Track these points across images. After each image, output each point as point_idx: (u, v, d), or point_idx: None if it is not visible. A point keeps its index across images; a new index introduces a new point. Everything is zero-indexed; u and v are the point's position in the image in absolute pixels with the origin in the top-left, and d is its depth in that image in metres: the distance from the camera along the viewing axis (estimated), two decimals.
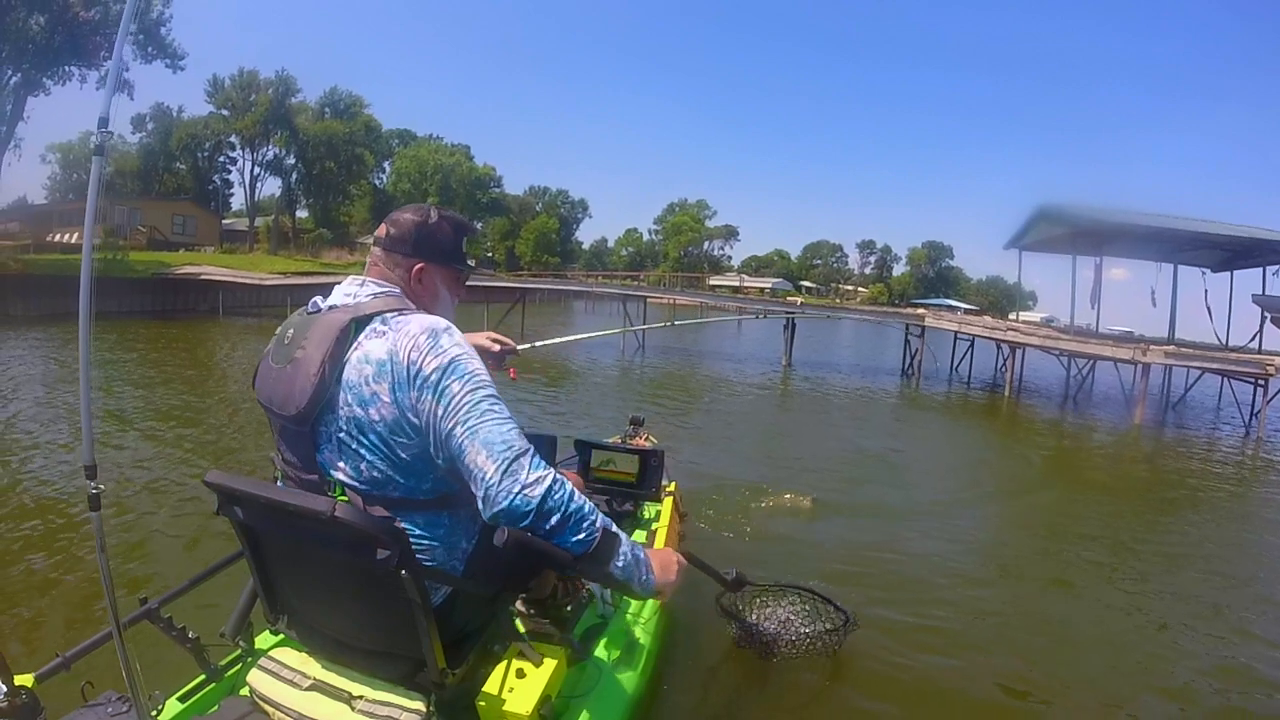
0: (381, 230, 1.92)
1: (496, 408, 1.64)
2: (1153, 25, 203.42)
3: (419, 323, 1.71)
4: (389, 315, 1.74)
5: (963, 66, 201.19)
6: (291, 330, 1.77)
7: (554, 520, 1.61)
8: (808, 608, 3.91)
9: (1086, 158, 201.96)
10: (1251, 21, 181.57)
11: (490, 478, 1.56)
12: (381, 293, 1.82)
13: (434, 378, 1.62)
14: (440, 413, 1.60)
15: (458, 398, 1.61)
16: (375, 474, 1.65)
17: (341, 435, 1.66)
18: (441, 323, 1.73)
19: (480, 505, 1.61)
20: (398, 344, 1.66)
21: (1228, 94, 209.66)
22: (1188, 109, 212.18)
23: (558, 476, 1.64)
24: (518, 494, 1.57)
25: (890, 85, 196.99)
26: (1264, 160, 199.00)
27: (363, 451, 1.65)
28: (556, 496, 1.61)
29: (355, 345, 1.68)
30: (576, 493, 1.67)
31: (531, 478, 1.58)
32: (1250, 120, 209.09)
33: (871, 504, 7.28)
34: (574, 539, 1.64)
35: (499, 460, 1.57)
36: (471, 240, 2.05)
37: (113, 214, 40.12)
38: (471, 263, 2.06)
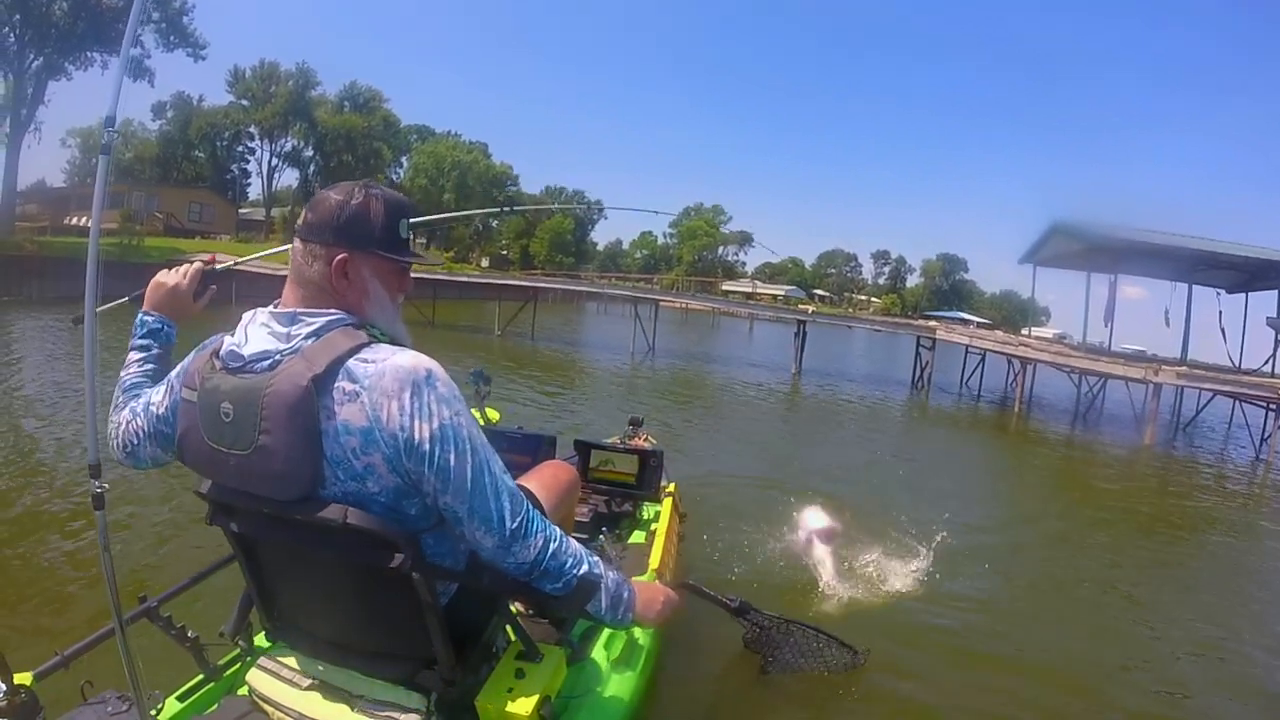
0: (301, 217, 1.62)
1: (491, 478, 1.55)
2: (1160, 21, 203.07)
3: (394, 375, 1.47)
4: (352, 365, 1.48)
5: (974, 69, 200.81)
6: (229, 405, 1.49)
7: (536, 573, 1.64)
8: (814, 646, 3.77)
9: (1097, 159, 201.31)
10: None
11: (489, 549, 1.58)
12: (322, 328, 1.53)
13: (426, 448, 1.47)
14: (438, 485, 1.50)
15: (454, 471, 1.49)
16: None
17: (346, 504, 1.51)
18: (420, 368, 1.49)
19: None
20: (379, 409, 1.45)
21: (1244, 92, 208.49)
22: (1198, 108, 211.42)
23: (548, 536, 1.65)
24: (511, 562, 1.61)
25: (904, 89, 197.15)
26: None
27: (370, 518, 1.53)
28: (544, 555, 1.63)
29: (328, 414, 1.45)
30: (564, 546, 1.68)
31: (524, 545, 1.60)
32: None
33: (874, 515, 7.23)
34: (550, 585, 1.67)
35: (496, 536, 1.56)
36: (413, 223, 1.73)
37: (130, 199, 40.42)
38: (424, 245, 1.65)
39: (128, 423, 1.75)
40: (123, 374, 1.85)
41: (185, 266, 1.98)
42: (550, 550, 1.63)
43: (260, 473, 1.49)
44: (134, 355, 1.87)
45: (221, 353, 1.54)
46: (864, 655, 3.82)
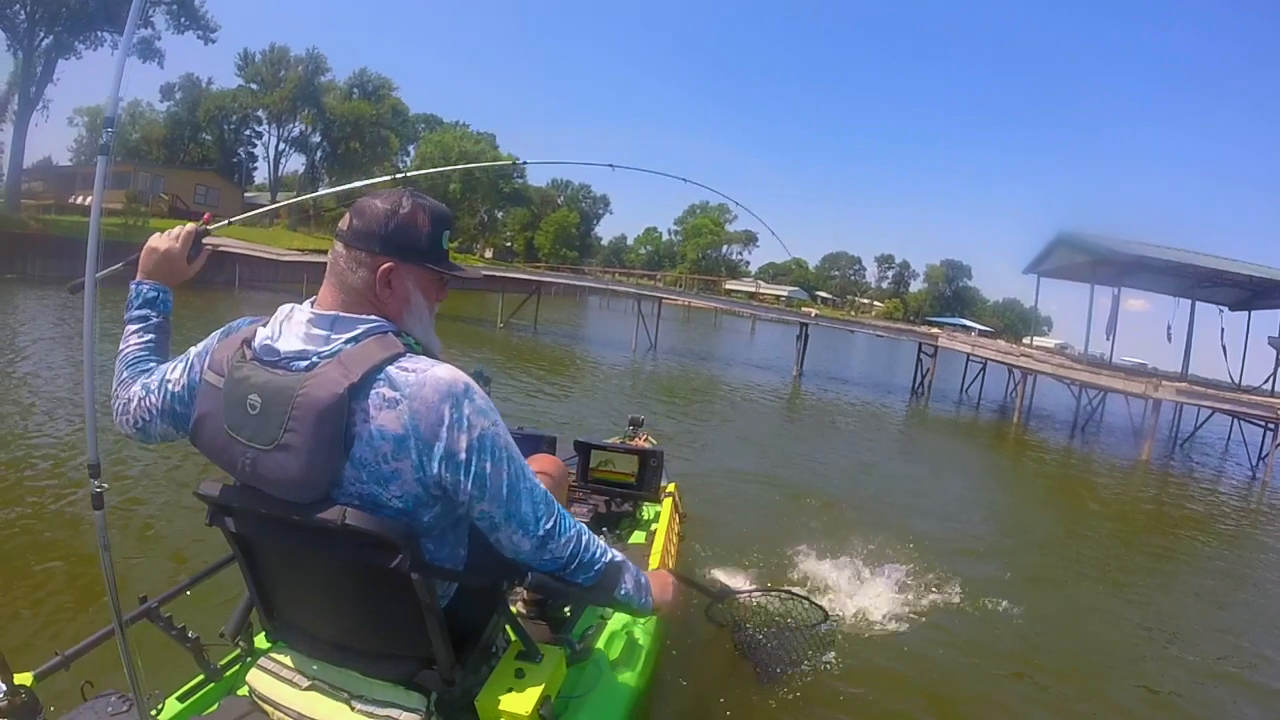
0: (344, 221, 1.61)
1: (525, 481, 1.60)
2: (1167, 23, 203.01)
3: (434, 386, 1.48)
4: (393, 373, 1.48)
5: (983, 73, 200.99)
6: (257, 397, 1.48)
7: (572, 566, 1.70)
8: (787, 606, 3.87)
9: (1104, 164, 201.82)
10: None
11: (526, 551, 1.63)
12: (362, 335, 1.53)
13: (464, 458, 1.49)
14: (474, 492, 1.52)
15: (490, 478, 1.52)
16: None
17: (353, 507, 1.49)
18: (459, 381, 1.51)
19: (512, 559, 1.68)
20: (418, 417, 1.46)
21: (1250, 94, 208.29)
22: (1206, 110, 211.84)
23: (578, 530, 1.71)
24: (547, 559, 1.66)
25: (912, 92, 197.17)
26: None
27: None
28: (577, 549, 1.69)
29: (364, 418, 1.46)
30: (590, 538, 1.75)
31: (559, 544, 1.66)
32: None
33: (870, 517, 7.27)
34: (583, 577, 1.73)
35: (533, 538, 1.61)
36: (453, 235, 1.72)
37: (136, 180, 40.37)
38: (463, 258, 1.67)
39: (140, 399, 1.72)
40: (122, 346, 1.82)
41: (178, 229, 1.93)
42: (583, 543, 1.70)
43: (274, 471, 1.49)
44: (132, 326, 1.85)
45: (255, 344, 1.54)
46: (829, 612, 3.92)
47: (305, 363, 1.49)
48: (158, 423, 1.72)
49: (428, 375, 1.49)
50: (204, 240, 1.96)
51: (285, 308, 1.59)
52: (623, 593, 1.80)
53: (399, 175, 2.72)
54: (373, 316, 1.56)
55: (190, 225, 1.94)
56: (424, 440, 1.46)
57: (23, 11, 31.27)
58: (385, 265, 1.57)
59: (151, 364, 1.79)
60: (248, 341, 1.55)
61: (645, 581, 1.88)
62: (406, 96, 65.01)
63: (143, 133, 52.34)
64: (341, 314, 1.55)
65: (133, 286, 1.88)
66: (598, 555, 1.74)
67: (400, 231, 1.59)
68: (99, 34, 33.12)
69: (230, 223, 2.42)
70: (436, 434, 1.47)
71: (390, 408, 1.46)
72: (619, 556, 1.80)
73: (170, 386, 1.70)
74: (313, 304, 1.60)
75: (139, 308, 1.86)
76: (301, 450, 1.45)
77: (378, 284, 1.57)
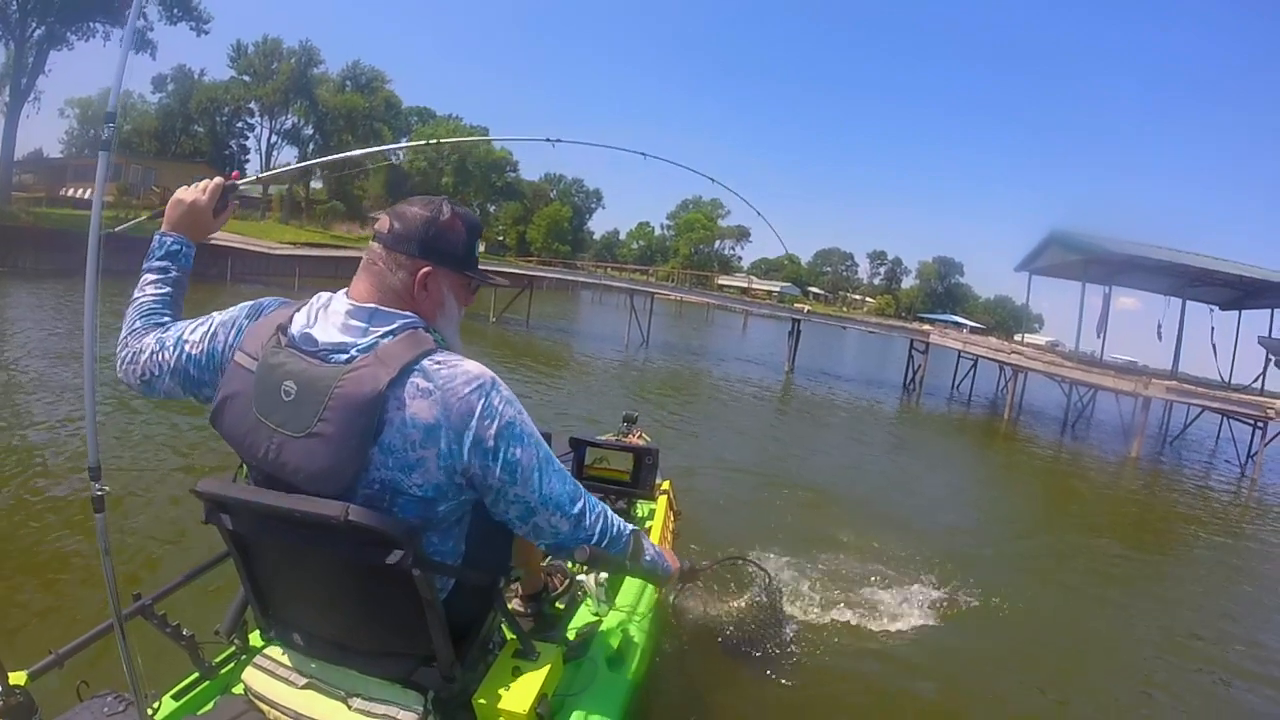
0: (384, 224, 1.66)
1: (553, 464, 1.67)
2: (1169, 24, 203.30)
3: (464, 378, 1.54)
4: (427, 365, 1.53)
5: (978, 72, 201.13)
6: (292, 385, 1.51)
7: (604, 541, 1.77)
8: (744, 578, 4.06)
9: (1099, 164, 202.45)
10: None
11: (564, 531, 1.70)
12: (398, 329, 1.57)
13: (493, 445, 1.54)
14: (504, 478, 1.57)
15: (522, 464, 1.58)
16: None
17: (373, 492, 1.52)
18: (487, 375, 1.57)
19: (547, 547, 1.77)
20: (449, 407, 1.51)
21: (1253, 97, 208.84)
22: (1206, 113, 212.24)
23: (603, 507, 1.80)
24: (583, 537, 1.73)
25: (907, 90, 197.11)
26: None
27: (394, 510, 1.54)
28: (606, 524, 1.78)
29: (398, 405, 1.49)
30: (612, 513, 1.83)
31: (591, 519, 1.74)
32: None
33: (860, 514, 7.30)
34: (615, 549, 1.81)
35: (569, 518, 1.69)
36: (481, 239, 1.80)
37: (128, 173, 40.09)
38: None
39: (152, 352, 1.73)
40: (137, 294, 1.83)
41: (205, 182, 1.93)
42: (608, 518, 1.79)
43: (300, 459, 1.51)
44: (150, 276, 1.85)
45: (292, 331, 1.58)
46: (773, 575, 4.08)
47: (344, 356, 1.53)
48: (166, 379, 1.73)
49: (458, 369, 1.56)
50: (231, 196, 1.98)
51: (323, 296, 1.64)
52: (648, 559, 1.94)
53: (432, 141, 2.76)
54: (408, 313, 1.62)
55: (218, 178, 1.95)
56: (454, 429, 1.51)
57: (15, 2, 31.04)
58: (425, 270, 1.64)
59: (166, 317, 1.81)
60: (283, 328, 1.58)
61: (658, 549, 2.04)
62: (400, 90, 64.57)
63: (134, 124, 51.91)
64: (380, 308, 1.60)
65: (156, 237, 1.88)
66: (622, 528, 1.83)
67: (439, 238, 1.66)
68: (91, 25, 32.92)
69: (259, 178, 2.46)
70: (466, 423, 1.52)
71: (424, 398, 1.50)
72: (634, 527, 1.89)
73: (187, 348, 1.71)
74: (347, 294, 1.64)
75: (160, 259, 1.87)
76: (333, 439, 1.48)
77: (416, 286, 1.64)
